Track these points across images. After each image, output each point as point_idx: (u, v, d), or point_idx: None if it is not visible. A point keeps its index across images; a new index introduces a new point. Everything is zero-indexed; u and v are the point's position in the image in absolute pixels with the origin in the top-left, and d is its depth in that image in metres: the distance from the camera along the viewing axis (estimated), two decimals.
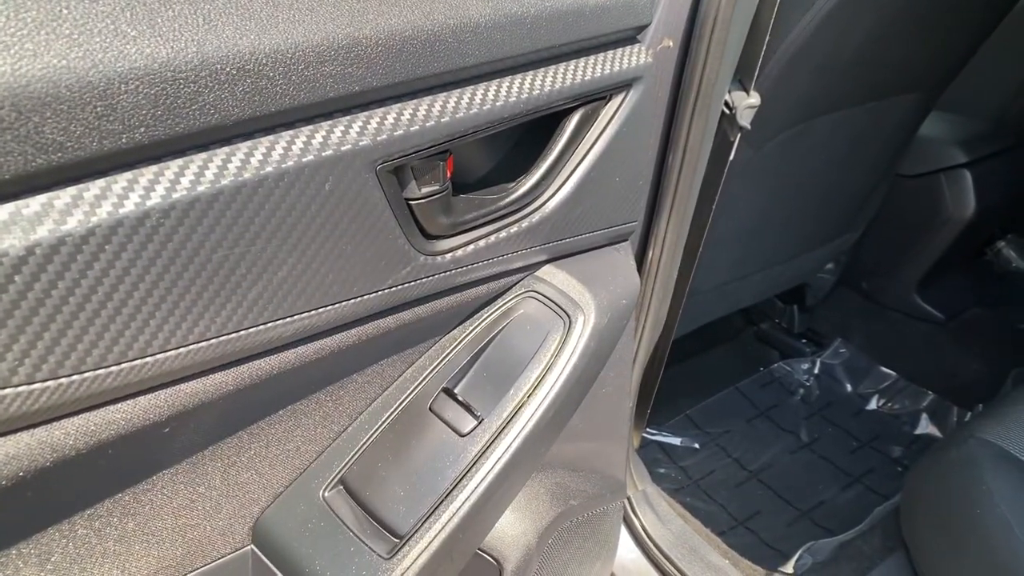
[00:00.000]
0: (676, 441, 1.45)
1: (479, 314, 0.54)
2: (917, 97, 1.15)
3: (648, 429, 1.45)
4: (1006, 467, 0.80)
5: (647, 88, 0.56)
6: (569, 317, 0.53)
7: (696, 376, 1.61)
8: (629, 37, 0.54)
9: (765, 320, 1.68)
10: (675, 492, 1.33)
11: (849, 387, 1.56)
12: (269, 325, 0.39)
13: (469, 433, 0.50)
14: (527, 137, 0.52)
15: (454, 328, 0.54)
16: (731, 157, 0.88)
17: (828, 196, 1.24)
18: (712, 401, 1.53)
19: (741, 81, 0.82)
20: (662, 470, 1.38)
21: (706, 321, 1.35)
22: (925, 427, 1.45)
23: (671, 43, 0.71)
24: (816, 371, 1.60)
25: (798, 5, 0.83)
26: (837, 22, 0.85)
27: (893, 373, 1.53)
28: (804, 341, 1.62)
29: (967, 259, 1.54)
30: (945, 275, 1.49)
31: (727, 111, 0.83)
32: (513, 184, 0.50)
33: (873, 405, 1.52)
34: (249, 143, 0.35)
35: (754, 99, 0.81)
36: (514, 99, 0.44)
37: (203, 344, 0.37)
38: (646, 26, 0.55)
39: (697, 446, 1.43)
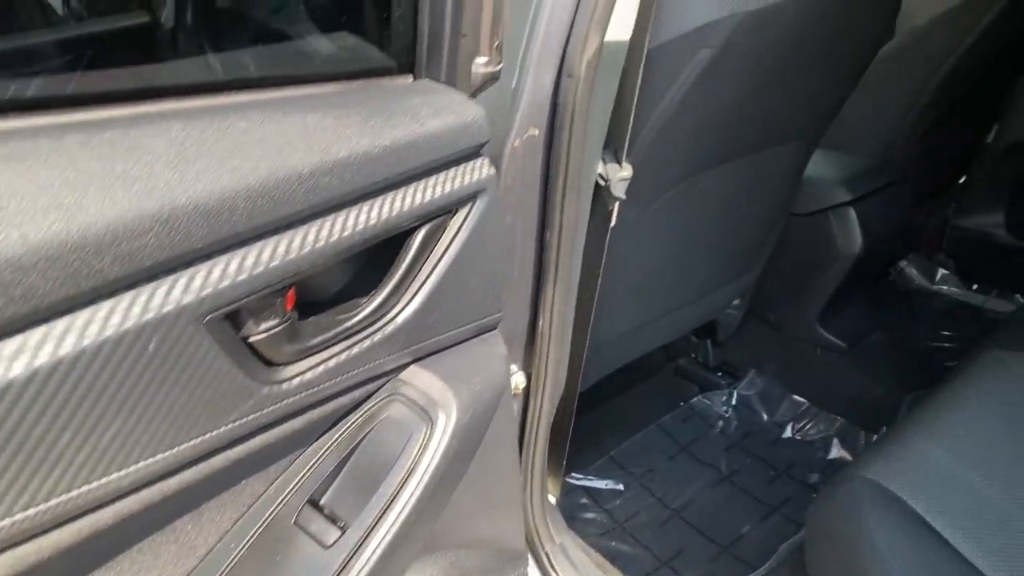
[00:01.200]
0: (601, 484, 1.46)
1: (344, 421, 0.54)
2: (797, 144, 1.22)
3: (574, 474, 1.47)
4: (887, 507, 0.84)
5: (491, 197, 0.58)
6: (431, 417, 0.53)
7: (619, 416, 1.63)
8: (471, 154, 0.56)
9: (682, 355, 1.73)
10: (601, 537, 1.35)
11: (765, 416, 1.62)
12: (103, 481, 0.39)
13: (333, 544, 0.50)
14: (378, 252, 0.53)
15: (319, 438, 0.54)
16: (612, 223, 0.92)
17: (724, 241, 1.29)
18: (635, 440, 1.56)
19: (615, 154, 0.86)
20: (589, 515, 1.40)
21: (620, 365, 1.38)
22: (836, 452, 1.51)
23: (536, 131, 0.74)
24: (734, 402, 1.65)
25: (663, 79, 0.88)
26: (704, 90, 0.90)
27: (805, 401, 1.59)
28: (720, 374, 1.67)
29: (867, 286, 1.63)
30: (845, 304, 1.56)
31: (602, 182, 0.87)
32: (365, 299, 0.51)
33: (788, 433, 1.58)
34: (66, 319, 0.35)
35: (626, 171, 0.85)
36: (349, 232, 0.45)
37: (30, 512, 0.37)
38: (485, 143, 0.57)
39: (622, 487, 1.46)
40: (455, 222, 0.55)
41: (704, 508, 1.40)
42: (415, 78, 0.57)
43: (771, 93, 1.02)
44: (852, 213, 1.40)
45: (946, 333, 1.83)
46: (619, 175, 0.86)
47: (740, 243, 1.34)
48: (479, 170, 0.56)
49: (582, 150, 0.76)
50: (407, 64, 0.56)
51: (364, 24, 0.57)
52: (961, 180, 1.98)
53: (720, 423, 1.62)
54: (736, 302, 1.57)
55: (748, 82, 0.95)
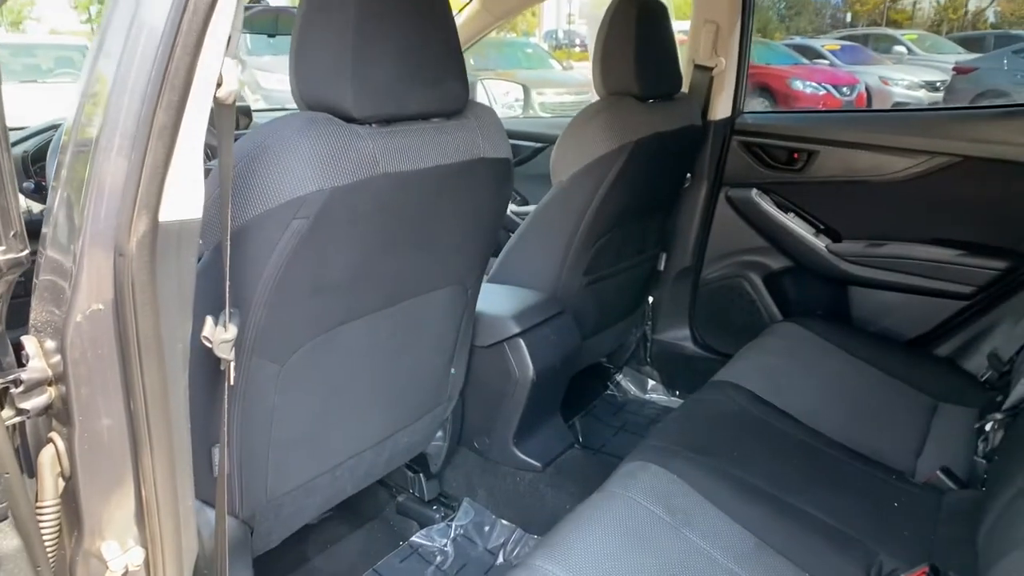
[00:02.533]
0: None
1: None
2: (453, 288, 1.34)
3: None
4: None
5: None
6: None
7: (339, 562, 1.58)
8: None
9: (402, 492, 1.73)
10: None
11: (480, 545, 1.64)
12: None
13: None
14: None
15: None
16: (230, 382, 0.92)
17: (398, 381, 1.35)
18: None
19: (223, 316, 0.89)
20: None
21: (309, 520, 1.35)
22: None
23: (101, 305, 0.75)
24: (451, 535, 1.66)
25: (263, 247, 0.93)
26: (310, 254, 0.97)
27: (512, 524, 1.65)
28: (435, 507, 1.69)
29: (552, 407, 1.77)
30: (537, 426, 1.69)
31: (209, 344, 0.89)
32: None
33: (501, 559, 1.61)
34: None
35: (229, 333, 0.88)
36: None
37: None
38: None
39: None
40: None
41: None
42: None
43: (397, 252, 1.12)
44: (523, 344, 1.55)
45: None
46: (221, 337, 0.88)
47: (418, 381, 1.40)
48: None
49: (152, 320, 0.77)
50: None
51: None
52: (650, 300, 2.29)
53: (438, 558, 1.61)
54: (440, 434, 1.63)
55: (361, 245, 1.04)
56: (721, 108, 2.00)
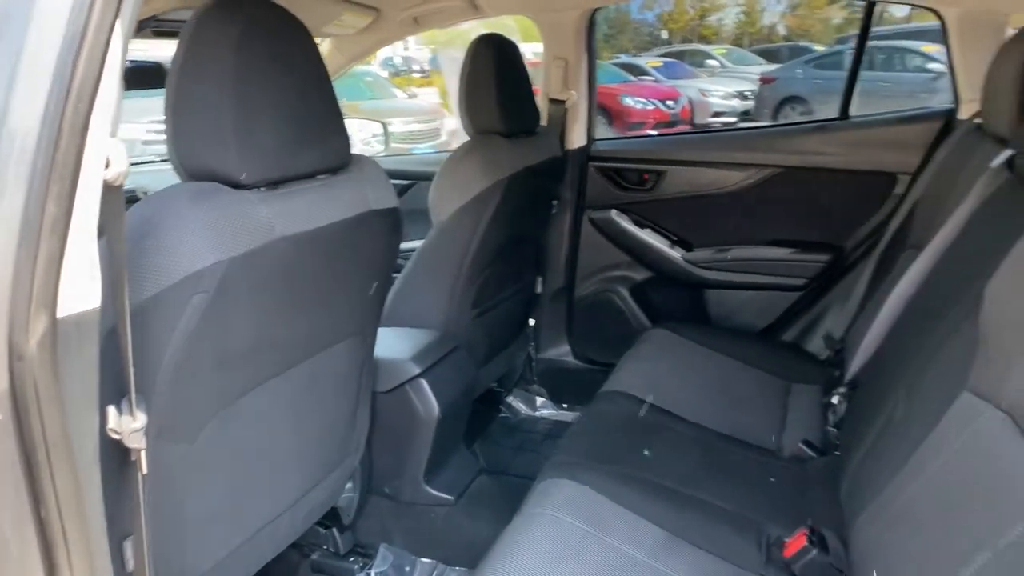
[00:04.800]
0: None
1: None
2: (352, 339, 1.35)
3: None
4: None
5: None
6: None
7: None
8: None
9: (315, 550, 1.69)
10: None
11: None
12: None
13: None
14: None
15: None
16: (143, 471, 0.89)
17: (306, 439, 1.33)
18: None
19: (125, 406, 0.85)
20: None
21: None
22: None
23: (1, 416, 0.70)
24: None
25: (163, 326, 0.91)
26: (212, 328, 0.96)
27: (432, 560, 1.67)
28: (352, 559, 1.67)
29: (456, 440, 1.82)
30: (445, 460, 1.72)
31: (116, 436, 0.85)
32: None
33: None
34: None
35: (139, 421, 0.85)
36: None
37: None
38: None
39: None
40: None
41: None
42: None
43: (296, 313, 1.12)
44: (425, 384, 1.58)
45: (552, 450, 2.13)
46: (132, 426, 0.85)
47: (326, 436, 1.39)
48: None
49: (60, 423, 0.73)
50: None
51: None
52: (531, 322, 2.40)
53: None
54: (349, 485, 1.61)
55: (262, 311, 1.04)
56: (577, 138, 2.16)
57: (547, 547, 1.15)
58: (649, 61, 11.96)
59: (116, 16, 0.66)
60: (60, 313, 0.72)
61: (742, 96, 10.51)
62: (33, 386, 0.70)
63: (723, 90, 10.61)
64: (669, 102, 9.85)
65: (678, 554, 1.19)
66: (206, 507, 1.13)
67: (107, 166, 0.69)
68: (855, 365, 1.51)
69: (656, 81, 10.80)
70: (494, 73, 1.71)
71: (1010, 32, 1.54)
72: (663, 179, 2.14)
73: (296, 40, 1.05)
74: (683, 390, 1.72)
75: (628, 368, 1.81)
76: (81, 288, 0.76)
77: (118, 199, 0.72)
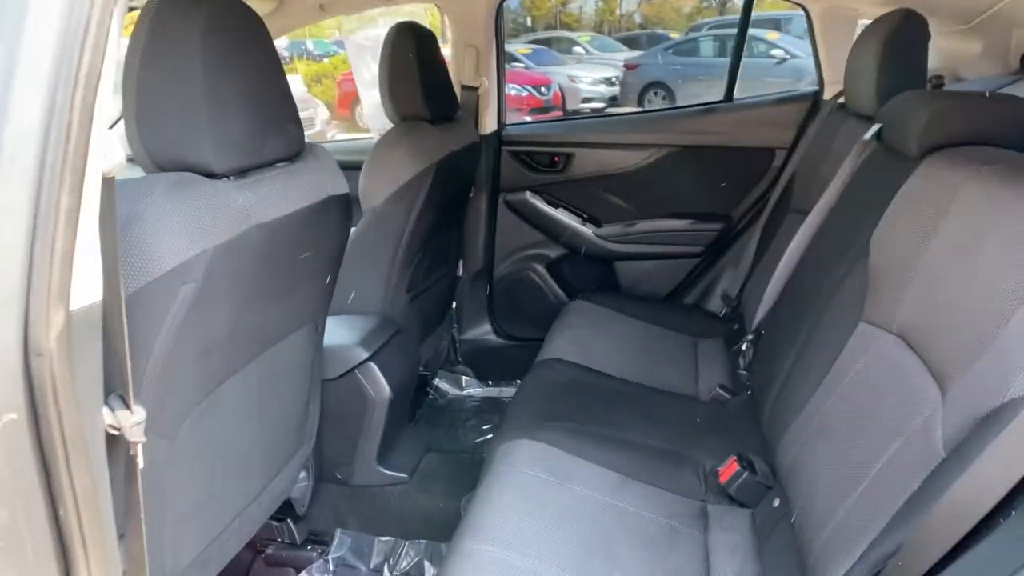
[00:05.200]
0: None
1: None
2: (307, 327, 1.37)
3: None
4: None
5: None
6: None
7: None
8: None
9: (269, 544, 1.69)
10: None
11: (363, 568, 1.69)
12: None
13: None
14: None
15: None
16: (140, 466, 0.90)
17: (269, 431, 1.35)
18: None
19: (123, 400, 0.86)
20: None
21: None
22: (432, 571, 1.67)
23: (15, 415, 0.69)
24: (331, 568, 1.68)
25: (153, 318, 0.91)
26: (198, 317, 0.97)
27: (390, 538, 1.72)
28: (310, 547, 1.69)
29: (409, 416, 1.88)
30: (395, 441, 1.78)
31: (116, 432, 0.85)
32: None
33: (387, 573, 1.68)
34: None
35: (139, 415, 0.85)
36: None
37: None
38: None
39: None
40: None
41: None
42: None
43: (272, 298, 1.15)
44: (374, 367, 1.63)
45: (485, 427, 2.24)
46: (133, 420, 0.85)
47: (284, 426, 1.41)
48: None
49: (77, 419, 0.74)
50: None
51: None
52: (454, 305, 2.48)
53: None
54: (303, 475, 1.63)
55: (240, 299, 1.06)
56: (489, 123, 2.25)
57: (518, 499, 1.26)
58: (519, 48, 12.20)
59: (115, 4, 0.68)
60: (72, 306, 0.73)
61: (609, 82, 10.99)
62: (51, 382, 0.70)
63: (591, 76, 11.03)
64: (542, 88, 10.12)
65: (632, 492, 1.33)
66: (185, 503, 1.13)
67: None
68: (759, 315, 1.73)
69: (527, 68, 11.05)
70: (415, 59, 1.76)
71: (863, 23, 1.80)
72: (572, 161, 2.29)
73: (253, 30, 1.07)
74: (608, 352, 1.88)
75: (558, 337, 1.95)
76: (87, 281, 0.76)
77: (112, 191, 0.73)
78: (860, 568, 0.89)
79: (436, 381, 2.53)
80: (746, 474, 1.37)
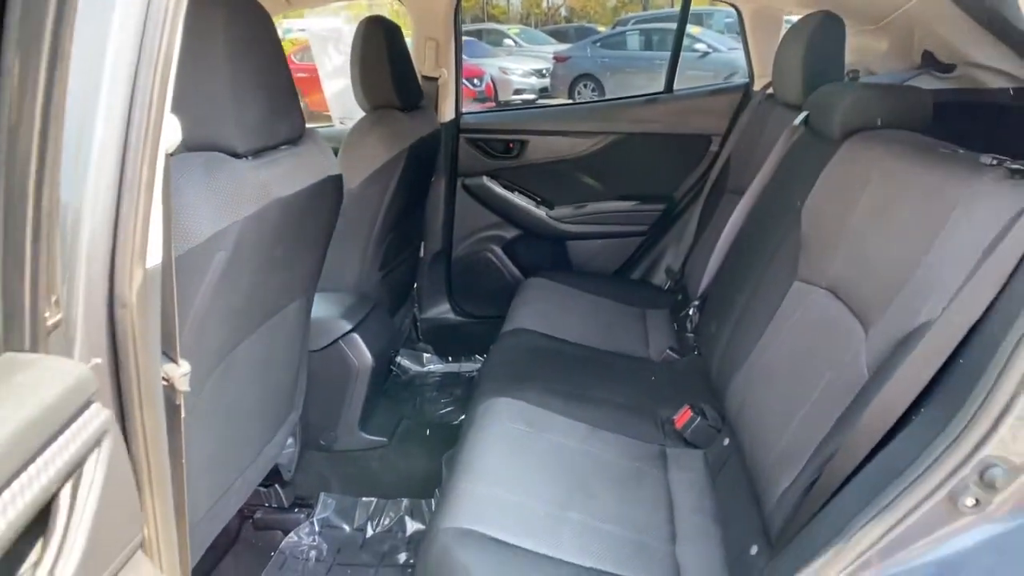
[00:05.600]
0: None
1: None
2: (302, 298, 1.47)
3: None
4: (470, 543, 1.13)
5: (115, 433, 0.64)
6: None
7: None
8: (83, 406, 0.61)
9: (257, 510, 1.77)
10: None
11: (347, 527, 1.80)
12: None
13: None
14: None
15: None
16: (182, 416, 0.99)
17: (269, 395, 1.44)
18: None
19: (168, 356, 0.95)
20: None
21: (206, 546, 1.38)
22: (412, 527, 1.79)
23: (99, 360, 0.79)
24: (317, 529, 1.78)
25: (192, 281, 1.01)
26: (228, 282, 1.07)
27: (371, 498, 1.83)
28: (297, 510, 1.78)
29: (380, 387, 1.99)
30: (374, 408, 1.88)
31: (165, 383, 0.94)
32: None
33: (370, 531, 1.79)
34: None
35: (185, 367, 0.95)
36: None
37: None
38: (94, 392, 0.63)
39: None
40: (88, 469, 0.59)
41: None
42: None
43: (280, 267, 1.24)
44: (357, 337, 1.74)
45: (445, 400, 2.37)
46: (180, 372, 0.95)
47: (281, 392, 1.50)
48: (96, 417, 0.61)
49: (148, 367, 0.83)
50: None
51: None
52: (415, 285, 2.59)
53: (313, 553, 1.72)
54: (290, 441, 1.72)
55: (261, 266, 1.15)
56: (448, 111, 2.37)
57: (503, 446, 1.40)
58: None
59: None
60: (147, 264, 0.82)
61: (539, 74, 11.19)
62: (132, 331, 0.80)
63: (521, 68, 11.20)
64: (475, 80, 10.21)
65: (600, 439, 1.50)
66: (201, 459, 1.22)
67: None
68: (703, 284, 1.93)
69: None
70: (385, 51, 1.86)
71: (790, 20, 2.02)
72: (526, 147, 2.44)
73: (265, 23, 1.16)
74: (567, 322, 2.04)
75: (519, 310, 2.10)
76: (155, 244, 0.86)
77: (170, 166, 0.83)
78: (803, 476, 1.09)
79: (398, 359, 2.63)
80: (699, 419, 1.56)
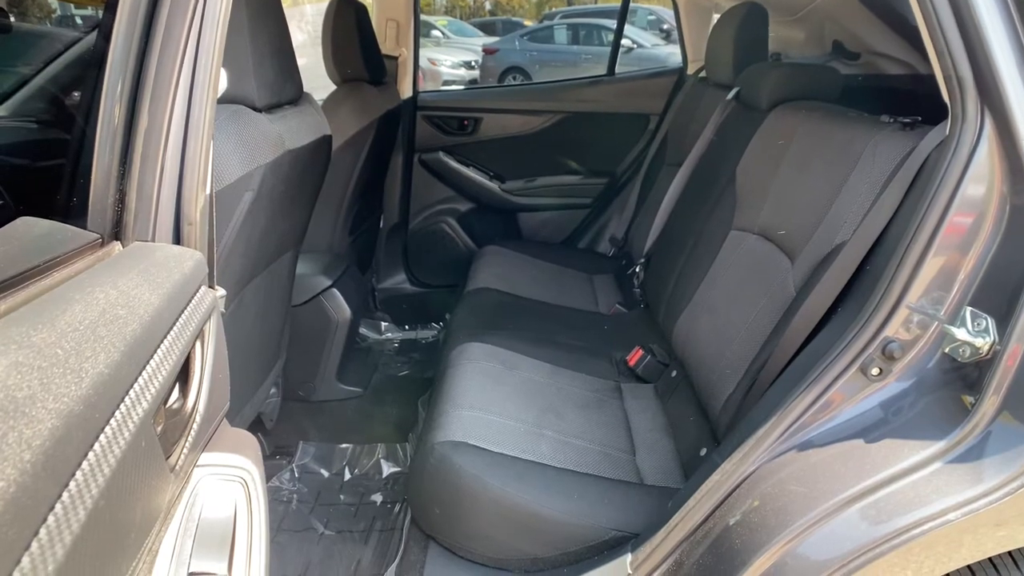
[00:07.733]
0: None
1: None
2: (293, 251, 1.59)
3: None
4: (463, 450, 1.29)
5: (218, 309, 0.77)
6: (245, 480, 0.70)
7: None
8: (203, 281, 0.74)
9: None
10: None
11: (325, 473, 1.91)
12: None
13: None
14: None
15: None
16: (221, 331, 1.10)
17: (264, 340, 1.55)
18: None
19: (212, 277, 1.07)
20: None
21: None
22: (388, 469, 1.93)
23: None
24: (297, 475, 1.89)
25: (225, 215, 1.12)
26: (251, 218, 1.19)
27: (348, 445, 1.96)
28: (278, 457, 1.88)
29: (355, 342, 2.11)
30: (349, 361, 2.00)
31: None
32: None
33: (348, 475, 1.92)
34: None
35: (221, 291, 1.07)
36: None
37: None
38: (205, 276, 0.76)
39: None
40: (205, 334, 0.72)
41: (318, 565, 1.62)
42: (124, 244, 0.70)
43: (284, 214, 1.36)
44: (336, 292, 1.86)
45: (405, 362, 2.51)
46: (218, 295, 1.07)
47: (271, 338, 1.61)
48: (210, 295, 0.74)
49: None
50: (113, 233, 0.69)
51: (53, 206, 0.67)
52: (373, 257, 2.70)
53: (295, 497, 1.83)
54: (273, 390, 1.83)
55: (274, 208, 1.27)
56: (406, 89, 2.50)
57: (480, 379, 1.57)
58: None
59: None
60: (206, 191, 0.94)
61: (468, 66, 11.29)
62: (195, 243, 0.92)
63: (451, 59, 11.27)
64: None
65: (564, 376, 1.69)
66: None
67: None
68: (648, 243, 2.15)
69: None
70: (355, 28, 1.98)
71: (719, 11, 2.27)
72: (480, 125, 2.60)
73: None
74: (523, 283, 2.22)
75: (480, 273, 2.26)
76: (207, 176, 0.98)
77: (215, 113, 0.96)
78: (744, 381, 1.31)
79: (378, 312, 2.74)
80: (649, 357, 1.78)
